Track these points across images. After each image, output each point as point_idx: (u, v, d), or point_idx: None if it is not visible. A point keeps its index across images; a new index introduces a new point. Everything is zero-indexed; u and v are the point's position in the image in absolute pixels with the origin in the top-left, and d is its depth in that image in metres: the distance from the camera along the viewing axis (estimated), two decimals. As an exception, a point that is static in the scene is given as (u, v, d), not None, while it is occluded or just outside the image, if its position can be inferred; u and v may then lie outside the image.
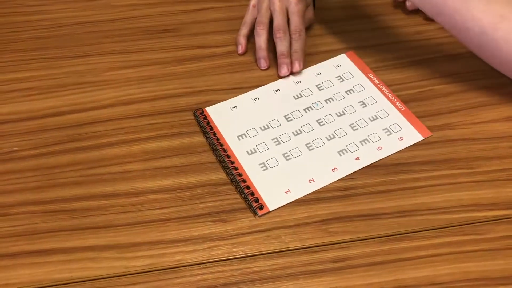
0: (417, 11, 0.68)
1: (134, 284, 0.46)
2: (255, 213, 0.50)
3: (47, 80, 0.63)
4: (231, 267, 0.47)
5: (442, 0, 0.55)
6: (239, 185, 0.52)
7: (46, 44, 0.67)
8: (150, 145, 0.56)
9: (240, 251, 0.48)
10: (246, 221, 0.50)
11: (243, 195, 0.51)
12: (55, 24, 0.70)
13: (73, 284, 0.46)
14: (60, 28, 0.69)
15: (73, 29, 0.69)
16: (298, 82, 0.62)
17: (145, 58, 0.65)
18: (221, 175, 0.53)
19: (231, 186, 0.53)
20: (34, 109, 0.60)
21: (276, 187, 0.52)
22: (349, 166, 0.53)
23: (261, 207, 0.50)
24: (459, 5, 0.54)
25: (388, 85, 0.61)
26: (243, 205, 0.51)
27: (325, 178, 0.52)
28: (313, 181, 0.52)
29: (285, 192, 0.51)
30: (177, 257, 0.47)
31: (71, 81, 0.63)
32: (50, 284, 0.46)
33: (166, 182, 0.53)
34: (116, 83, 0.62)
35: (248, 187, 0.52)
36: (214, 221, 0.50)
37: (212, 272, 0.46)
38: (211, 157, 0.55)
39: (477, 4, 0.54)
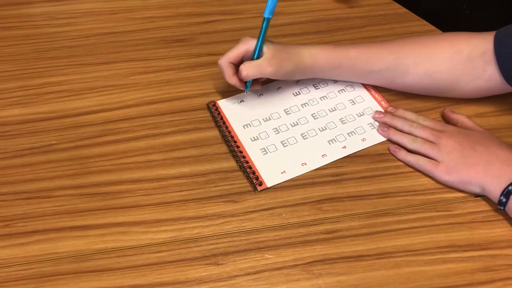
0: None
1: (160, 252, 0.55)
2: (255, 189, 0.59)
3: (78, 83, 0.71)
4: (241, 238, 0.56)
5: (338, 60, 0.64)
6: (244, 167, 0.61)
7: (76, 52, 0.75)
8: (169, 139, 0.65)
9: (248, 225, 0.57)
10: (252, 201, 0.59)
11: (246, 175, 0.60)
12: (83, 35, 0.78)
13: (108, 252, 0.55)
14: (87, 38, 0.77)
15: (99, 39, 0.77)
16: (297, 81, 0.70)
17: (163, 64, 0.73)
18: (231, 164, 0.62)
19: (239, 173, 0.61)
20: (68, 109, 0.68)
21: (274, 168, 0.60)
22: (336, 153, 0.62)
23: (260, 183, 0.59)
24: (357, 58, 0.64)
25: (375, 86, 0.70)
26: (250, 188, 0.60)
27: (315, 162, 0.61)
28: (305, 164, 0.61)
29: (281, 173, 0.60)
30: (195, 231, 0.56)
31: (99, 85, 0.71)
32: (90, 252, 0.55)
33: (184, 170, 0.62)
34: (139, 86, 0.71)
35: (250, 168, 0.60)
36: (225, 202, 0.59)
37: (224, 242, 0.55)
38: (222, 148, 0.64)
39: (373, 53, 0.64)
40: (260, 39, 0.62)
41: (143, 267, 0.53)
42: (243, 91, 0.67)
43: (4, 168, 0.62)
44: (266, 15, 0.61)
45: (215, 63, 0.72)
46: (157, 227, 0.57)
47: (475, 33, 0.63)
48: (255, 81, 0.66)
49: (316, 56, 0.64)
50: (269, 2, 0.60)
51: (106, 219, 0.57)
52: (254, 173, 0.60)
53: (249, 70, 0.62)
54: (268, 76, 0.64)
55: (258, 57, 0.63)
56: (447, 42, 0.63)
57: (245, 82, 0.65)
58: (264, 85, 0.70)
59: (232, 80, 0.64)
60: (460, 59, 0.62)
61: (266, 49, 0.63)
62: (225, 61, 0.64)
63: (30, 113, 0.68)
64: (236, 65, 0.64)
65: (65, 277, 0.53)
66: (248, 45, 0.63)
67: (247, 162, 0.61)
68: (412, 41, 0.65)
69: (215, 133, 0.65)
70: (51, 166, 0.62)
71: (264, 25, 0.61)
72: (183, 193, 0.60)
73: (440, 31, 0.77)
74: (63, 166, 0.62)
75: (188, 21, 0.80)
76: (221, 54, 0.74)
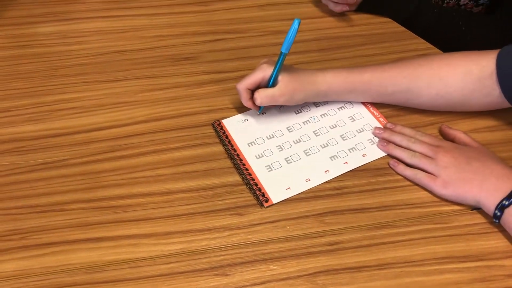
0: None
1: (170, 263, 0.57)
2: (261, 205, 0.62)
3: (89, 100, 0.74)
4: (247, 250, 0.58)
5: (352, 84, 0.68)
6: (249, 184, 0.63)
7: (87, 70, 0.78)
8: (177, 154, 0.67)
9: (253, 237, 0.59)
10: (258, 214, 0.61)
11: (252, 192, 0.63)
12: (94, 53, 0.81)
13: (120, 263, 0.57)
14: (98, 56, 0.80)
15: (109, 57, 0.80)
16: (299, 100, 0.73)
17: (171, 82, 0.76)
18: (236, 178, 0.65)
19: (244, 187, 0.64)
20: (80, 125, 0.71)
21: (279, 185, 0.63)
22: (338, 169, 0.65)
23: (267, 200, 0.62)
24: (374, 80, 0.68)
25: (374, 103, 0.73)
26: (255, 201, 0.63)
27: (319, 178, 0.64)
28: (309, 180, 0.64)
29: (286, 189, 0.63)
30: (204, 243, 0.59)
31: (109, 101, 0.74)
32: (103, 264, 0.57)
33: (192, 184, 0.64)
34: (148, 103, 0.74)
35: (256, 185, 0.63)
36: (231, 214, 0.61)
37: (231, 254, 0.58)
38: (228, 163, 0.66)
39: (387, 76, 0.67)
40: (276, 70, 0.66)
41: (154, 277, 0.56)
42: (248, 109, 0.70)
43: (19, 183, 0.64)
44: (283, 50, 0.64)
45: (222, 81, 0.76)
46: (167, 239, 0.59)
47: (483, 52, 0.65)
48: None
49: (330, 82, 0.68)
50: (286, 39, 0.63)
51: (117, 232, 0.60)
52: (260, 190, 0.63)
53: (263, 99, 0.66)
54: (281, 104, 0.68)
55: (273, 85, 0.67)
56: (457, 64, 0.66)
57: (259, 106, 0.70)
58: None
59: (248, 104, 0.68)
60: (470, 79, 0.65)
61: (281, 78, 0.66)
62: (242, 87, 0.67)
63: (44, 129, 0.70)
64: (253, 90, 0.68)
65: (80, 287, 0.55)
66: (265, 72, 0.67)
67: (252, 179, 0.64)
68: (423, 63, 0.68)
69: (221, 148, 0.68)
70: (64, 180, 0.65)
71: (280, 58, 0.65)
72: (191, 206, 0.62)
73: (438, 49, 0.80)
74: (76, 180, 0.65)
75: (195, 39, 0.83)
76: (227, 71, 0.78)
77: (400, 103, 0.70)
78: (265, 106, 0.70)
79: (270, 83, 0.67)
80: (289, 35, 0.63)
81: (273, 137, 0.69)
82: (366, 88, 0.68)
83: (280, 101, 0.67)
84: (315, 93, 0.68)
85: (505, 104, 0.65)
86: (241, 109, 0.72)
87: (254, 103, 0.68)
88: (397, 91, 0.68)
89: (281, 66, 0.66)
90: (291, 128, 0.70)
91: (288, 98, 0.67)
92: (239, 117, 0.71)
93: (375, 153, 0.66)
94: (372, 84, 0.68)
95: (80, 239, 0.59)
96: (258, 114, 0.71)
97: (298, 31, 0.62)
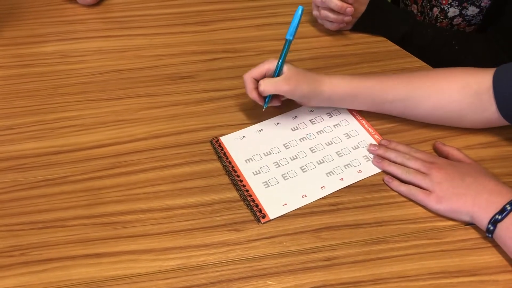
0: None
1: (168, 278, 0.58)
2: (258, 221, 0.63)
3: (90, 118, 0.75)
4: (244, 265, 0.59)
5: (356, 89, 0.70)
6: (247, 200, 0.64)
7: (88, 88, 0.80)
8: (176, 170, 0.69)
9: (251, 253, 0.60)
10: (255, 230, 0.62)
11: (249, 208, 0.64)
12: (95, 72, 0.82)
13: (120, 279, 0.58)
14: (99, 75, 0.82)
15: (110, 76, 0.82)
16: (295, 117, 0.75)
17: (170, 100, 0.78)
18: (234, 194, 0.66)
19: (242, 203, 0.65)
20: (81, 142, 0.72)
21: (276, 201, 0.64)
22: (334, 185, 0.66)
23: (264, 216, 0.63)
24: (373, 90, 0.70)
25: (369, 120, 0.74)
26: (252, 217, 0.64)
27: (315, 194, 0.65)
28: (306, 196, 0.65)
29: (283, 205, 0.64)
30: (202, 258, 0.60)
31: (110, 119, 0.75)
32: (102, 280, 0.58)
33: (191, 200, 0.65)
34: (147, 121, 0.75)
35: (253, 201, 0.64)
36: (229, 230, 0.62)
37: (229, 269, 0.59)
38: (226, 179, 0.68)
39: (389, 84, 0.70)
40: (281, 58, 0.68)
41: (152, 293, 0.57)
42: (247, 125, 0.72)
43: (20, 199, 0.66)
44: (288, 36, 0.67)
45: (220, 98, 0.78)
46: (166, 255, 0.60)
47: (482, 69, 0.67)
48: (275, 98, 0.72)
49: (335, 85, 0.70)
50: (291, 25, 0.66)
51: (117, 248, 0.61)
52: (257, 206, 0.64)
53: (266, 85, 0.68)
54: (284, 94, 0.69)
55: (278, 75, 0.69)
56: (456, 77, 0.68)
57: (264, 98, 0.71)
58: (263, 121, 0.74)
59: (252, 94, 0.70)
60: (468, 93, 0.66)
61: (286, 69, 0.68)
62: (248, 76, 0.70)
63: (45, 146, 0.72)
64: (258, 81, 0.70)
65: (79, 303, 0.56)
66: (271, 64, 0.69)
67: (250, 195, 0.65)
68: (423, 75, 0.71)
69: (219, 164, 0.69)
70: (65, 197, 0.66)
71: (285, 46, 0.67)
72: (190, 222, 0.63)
73: (431, 68, 0.82)
74: (76, 197, 0.66)
75: (194, 58, 0.85)
76: (225, 90, 0.79)
77: (399, 112, 0.72)
78: (264, 125, 0.72)
79: (276, 73, 0.69)
80: (294, 22, 0.66)
81: (270, 153, 0.70)
82: (368, 94, 0.70)
83: (284, 90, 0.68)
84: (318, 92, 0.69)
85: (501, 121, 0.66)
86: (238, 126, 0.74)
87: (258, 94, 0.70)
88: (397, 99, 0.69)
89: (286, 53, 0.68)
90: (287, 145, 0.71)
91: (293, 88, 0.68)
92: (237, 134, 0.73)
93: (370, 169, 0.68)
94: (374, 90, 0.70)
95: (80, 255, 0.60)
96: (263, 110, 0.72)
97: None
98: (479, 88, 0.66)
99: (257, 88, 0.70)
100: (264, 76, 0.70)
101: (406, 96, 0.69)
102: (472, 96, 0.66)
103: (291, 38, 0.67)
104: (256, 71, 0.70)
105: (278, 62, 0.68)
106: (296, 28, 0.67)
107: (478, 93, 0.66)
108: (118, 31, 0.90)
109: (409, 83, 0.69)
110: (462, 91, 0.67)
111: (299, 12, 0.66)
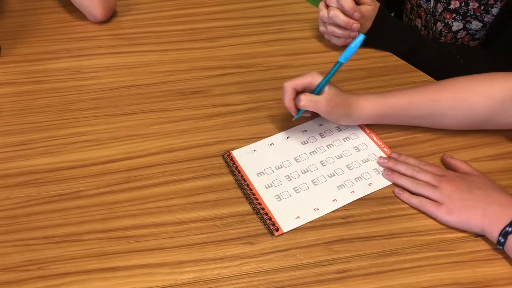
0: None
1: (184, 292, 0.59)
2: (272, 234, 0.63)
3: (103, 133, 0.76)
4: (258, 278, 0.60)
5: (383, 109, 0.71)
6: (260, 213, 0.65)
7: (100, 104, 0.81)
8: (188, 184, 0.69)
9: (265, 266, 0.61)
10: (268, 243, 0.63)
11: (263, 221, 0.65)
12: (107, 88, 0.84)
13: (136, 293, 0.59)
14: (110, 90, 0.83)
15: (121, 91, 0.83)
16: (304, 131, 0.76)
17: (181, 115, 0.79)
18: (247, 207, 0.67)
19: (255, 216, 0.66)
20: (94, 157, 0.73)
21: (289, 214, 0.65)
22: (346, 198, 0.67)
23: (277, 229, 0.64)
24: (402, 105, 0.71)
25: (377, 133, 0.75)
26: (265, 230, 0.64)
27: (327, 207, 0.66)
28: (318, 209, 0.66)
29: (296, 218, 0.65)
30: (216, 272, 0.60)
31: (122, 134, 0.76)
32: (118, 293, 0.59)
33: (204, 213, 0.66)
34: (159, 135, 0.76)
35: (266, 214, 0.65)
36: (243, 243, 0.63)
37: (243, 282, 0.59)
38: (238, 193, 0.69)
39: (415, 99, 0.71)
40: (327, 78, 0.69)
41: (168, 306, 0.57)
42: (257, 139, 0.73)
43: (35, 214, 0.66)
44: (341, 59, 0.67)
45: (230, 113, 0.79)
46: (180, 268, 0.61)
47: (507, 74, 0.69)
48: (307, 110, 0.73)
49: (363, 107, 0.71)
50: (348, 50, 0.67)
51: (132, 261, 0.61)
52: (270, 219, 0.65)
53: (307, 102, 0.69)
54: (320, 113, 0.71)
55: (318, 93, 0.69)
56: (481, 85, 0.70)
57: (298, 109, 0.72)
58: (273, 135, 0.75)
59: (289, 104, 0.71)
60: (494, 101, 0.68)
61: (327, 89, 0.69)
62: (289, 86, 0.70)
63: (59, 161, 0.73)
64: (297, 92, 0.71)
65: (96, 317, 0.56)
66: (314, 79, 0.70)
67: (263, 208, 0.66)
68: (448, 85, 0.72)
69: (231, 178, 0.70)
70: (79, 211, 0.67)
71: (335, 67, 0.68)
72: (203, 235, 0.64)
73: (435, 80, 0.83)
74: (91, 211, 0.67)
75: (203, 74, 0.86)
76: (235, 104, 0.81)
77: (427, 125, 0.74)
78: (274, 139, 0.73)
79: (317, 90, 0.69)
80: (351, 47, 0.66)
81: (282, 167, 0.71)
82: (394, 113, 0.72)
83: (322, 110, 0.69)
84: (348, 114, 0.71)
85: None
86: (249, 140, 0.75)
87: (294, 104, 0.71)
88: (424, 114, 0.71)
89: (333, 74, 0.69)
90: (298, 159, 0.72)
91: (330, 110, 0.69)
92: (248, 148, 0.74)
93: (381, 182, 0.69)
94: (400, 109, 0.72)
95: (95, 269, 0.61)
96: (293, 120, 0.73)
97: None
98: (505, 96, 0.68)
99: (294, 99, 0.70)
100: (304, 89, 0.71)
101: (432, 111, 0.71)
102: (498, 104, 0.68)
103: (343, 61, 0.67)
104: (299, 82, 0.70)
105: (322, 80, 0.69)
106: (352, 54, 0.67)
107: (505, 100, 0.68)
108: (128, 47, 0.92)
109: (435, 98, 0.71)
110: (487, 100, 0.69)
111: (360, 38, 0.65)
